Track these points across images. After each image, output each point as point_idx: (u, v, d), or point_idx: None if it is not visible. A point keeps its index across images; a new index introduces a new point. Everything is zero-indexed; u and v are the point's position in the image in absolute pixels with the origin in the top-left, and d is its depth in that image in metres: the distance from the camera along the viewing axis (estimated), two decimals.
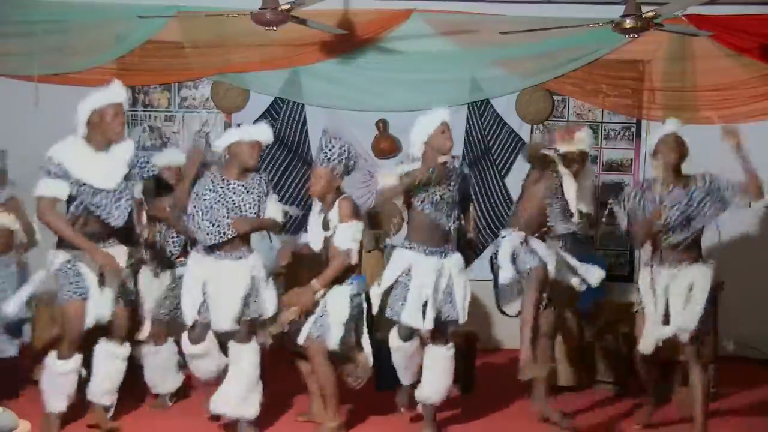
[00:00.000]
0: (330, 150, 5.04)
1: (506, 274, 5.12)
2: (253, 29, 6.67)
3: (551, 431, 5.40)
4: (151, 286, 5.58)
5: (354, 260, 5.05)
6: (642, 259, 5.33)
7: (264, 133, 5.09)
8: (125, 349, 5.10)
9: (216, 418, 5.17)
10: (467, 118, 7.64)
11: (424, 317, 4.98)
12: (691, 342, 5.00)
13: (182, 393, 5.78)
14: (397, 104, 7.60)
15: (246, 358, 4.99)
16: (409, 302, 4.96)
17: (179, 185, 5.12)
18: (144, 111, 7.73)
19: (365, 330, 5.15)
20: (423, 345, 5.17)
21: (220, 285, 4.95)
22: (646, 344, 5.07)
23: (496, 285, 5.32)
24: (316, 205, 5.22)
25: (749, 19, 7.29)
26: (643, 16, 6.07)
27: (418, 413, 5.30)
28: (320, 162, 5.06)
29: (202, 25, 7.44)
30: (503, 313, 5.35)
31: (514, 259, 5.14)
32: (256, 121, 7.54)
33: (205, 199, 4.96)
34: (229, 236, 4.93)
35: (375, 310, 5.13)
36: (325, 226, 5.07)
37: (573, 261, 5.37)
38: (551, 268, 5.17)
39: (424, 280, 4.98)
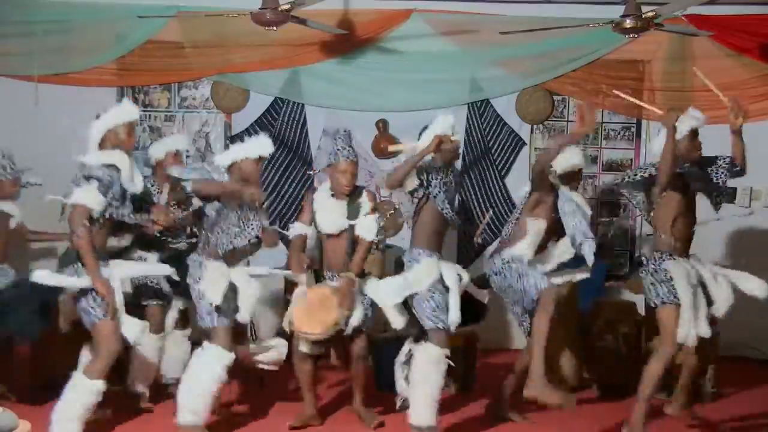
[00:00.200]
0: (351, 144, 5.29)
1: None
2: (253, 29, 6.67)
3: (549, 431, 5.41)
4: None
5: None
6: (645, 257, 5.29)
7: (267, 147, 5.15)
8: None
9: None
10: (467, 118, 7.64)
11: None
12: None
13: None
14: (397, 104, 7.60)
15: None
16: (452, 308, 5.02)
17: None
18: (144, 111, 7.72)
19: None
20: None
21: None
22: (689, 336, 4.94)
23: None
24: (325, 194, 5.30)
25: (749, 19, 7.29)
26: (643, 16, 6.07)
27: None
28: (351, 156, 5.26)
29: (202, 25, 7.43)
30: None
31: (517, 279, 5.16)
32: (256, 121, 7.66)
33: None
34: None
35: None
36: (352, 215, 5.26)
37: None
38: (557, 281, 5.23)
39: (454, 286, 5.08)
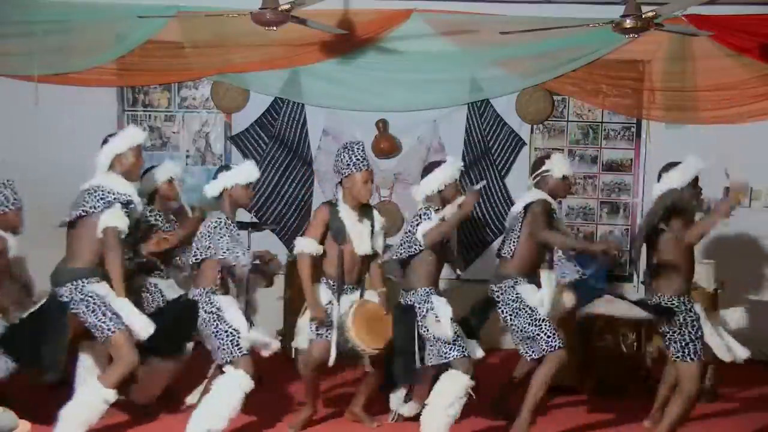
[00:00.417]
0: (365, 155, 5.26)
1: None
2: (253, 29, 6.66)
3: (549, 431, 5.41)
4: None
5: None
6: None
7: (255, 172, 5.22)
8: None
9: None
10: (467, 118, 7.63)
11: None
12: None
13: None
14: (397, 104, 7.60)
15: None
16: (465, 338, 5.16)
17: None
18: (144, 111, 7.73)
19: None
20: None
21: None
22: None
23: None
24: (349, 212, 5.27)
25: (749, 19, 7.28)
26: (643, 16, 6.06)
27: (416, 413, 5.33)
28: (366, 166, 5.23)
29: (202, 25, 7.43)
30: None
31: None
32: (256, 121, 7.66)
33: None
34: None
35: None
36: (370, 230, 5.32)
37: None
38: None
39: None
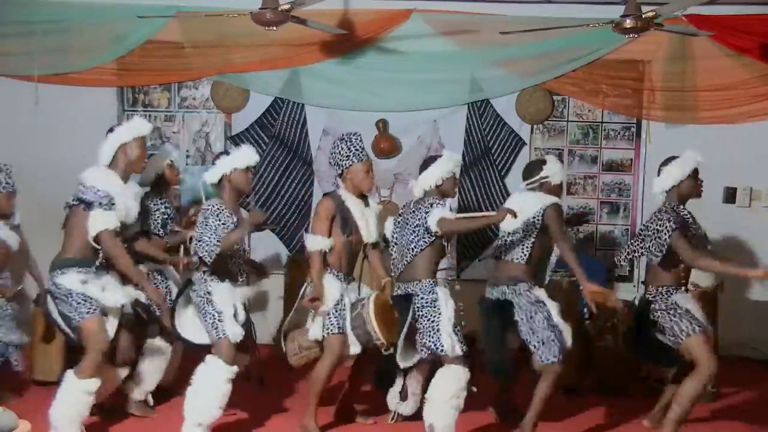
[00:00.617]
0: (363, 146, 5.30)
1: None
2: (253, 29, 6.66)
3: (552, 431, 5.41)
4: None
5: None
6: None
7: (254, 156, 5.19)
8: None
9: None
10: (467, 118, 7.64)
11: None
12: None
13: None
14: (397, 104, 7.60)
15: None
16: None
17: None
18: (144, 111, 7.73)
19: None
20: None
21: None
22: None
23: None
24: (354, 201, 5.25)
25: (749, 19, 7.28)
26: (643, 16, 6.07)
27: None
28: (366, 156, 5.26)
29: (202, 25, 7.43)
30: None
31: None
32: (256, 121, 7.66)
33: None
34: None
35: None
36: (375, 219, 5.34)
37: None
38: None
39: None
